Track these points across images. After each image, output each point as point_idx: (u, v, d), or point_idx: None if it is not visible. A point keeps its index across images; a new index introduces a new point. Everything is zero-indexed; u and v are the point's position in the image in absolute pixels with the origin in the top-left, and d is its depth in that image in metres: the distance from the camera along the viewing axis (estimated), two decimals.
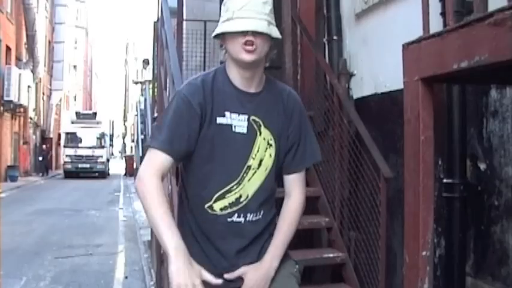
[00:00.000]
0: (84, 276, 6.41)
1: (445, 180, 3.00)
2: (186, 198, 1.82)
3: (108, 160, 31.27)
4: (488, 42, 1.29)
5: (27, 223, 10.56)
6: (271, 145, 1.78)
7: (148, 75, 22.58)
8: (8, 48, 23.45)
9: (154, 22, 9.62)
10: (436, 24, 1.93)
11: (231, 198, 1.74)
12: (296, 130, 1.82)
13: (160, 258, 5.02)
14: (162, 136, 1.69)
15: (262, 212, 1.79)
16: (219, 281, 1.71)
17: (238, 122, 1.74)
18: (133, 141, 33.54)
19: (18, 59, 24.98)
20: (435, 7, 2.53)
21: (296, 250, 3.74)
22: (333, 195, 4.13)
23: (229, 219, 1.75)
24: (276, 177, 1.84)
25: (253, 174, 1.75)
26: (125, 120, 58.72)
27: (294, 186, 1.86)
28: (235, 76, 1.76)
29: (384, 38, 3.97)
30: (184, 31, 5.75)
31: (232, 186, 1.74)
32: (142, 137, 16.45)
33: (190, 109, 1.69)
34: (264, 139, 1.76)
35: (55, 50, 33.00)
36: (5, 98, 22.01)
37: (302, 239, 4.27)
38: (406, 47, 1.71)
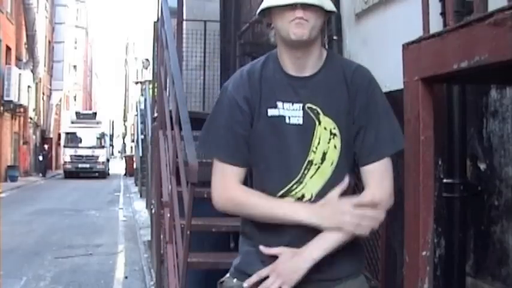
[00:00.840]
0: (84, 276, 6.42)
1: (445, 180, 3.00)
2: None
3: (108, 160, 31.29)
4: (488, 42, 1.29)
5: (27, 223, 10.57)
6: (335, 134, 1.54)
7: (148, 75, 22.58)
8: (8, 48, 23.46)
9: (154, 22, 9.61)
10: (436, 24, 1.93)
11: (293, 198, 1.55)
12: (362, 112, 1.56)
13: (160, 258, 5.02)
14: (227, 146, 1.55)
15: None
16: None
17: (293, 112, 1.53)
18: (133, 141, 33.51)
19: (18, 59, 24.98)
20: (435, 7, 2.53)
21: None
22: None
23: None
24: (352, 171, 1.62)
25: (316, 170, 1.55)
26: (124, 120, 58.70)
27: (369, 181, 1.59)
28: (286, 59, 1.56)
29: (383, 38, 3.97)
30: (184, 31, 5.75)
31: (293, 186, 1.55)
32: (142, 137, 16.45)
33: (238, 108, 1.54)
34: (326, 128, 1.54)
35: (55, 50, 33.01)
36: (5, 98, 22.02)
37: None
38: (406, 47, 1.71)
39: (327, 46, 4.82)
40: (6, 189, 17.90)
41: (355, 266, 1.65)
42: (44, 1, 30.43)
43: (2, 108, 22.30)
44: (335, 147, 1.55)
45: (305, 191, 1.55)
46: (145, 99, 15.01)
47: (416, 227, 1.62)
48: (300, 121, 1.53)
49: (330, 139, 1.54)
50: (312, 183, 1.55)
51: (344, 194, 1.57)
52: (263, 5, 1.52)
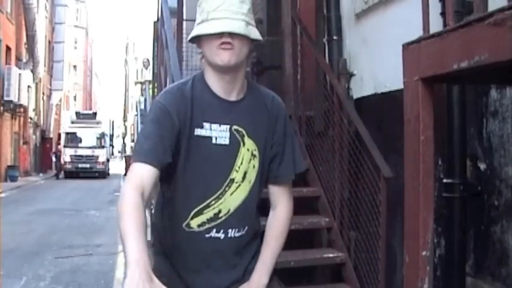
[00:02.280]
0: (84, 276, 6.41)
1: (445, 180, 3.00)
2: (164, 216, 1.71)
3: (108, 160, 31.28)
4: (488, 42, 1.29)
5: (27, 223, 10.57)
6: (255, 156, 1.66)
7: (148, 75, 22.59)
8: (8, 48, 23.46)
9: (154, 22, 9.62)
10: (436, 24, 1.93)
11: (209, 213, 1.62)
12: (280, 139, 1.71)
13: None
14: (143, 148, 1.52)
15: (246, 228, 1.68)
16: None
17: (220, 133, 1.61)
18: (133, 141, 33.52)
19: (18, 59, 24.98)
20: (435, 7, 2.53)
21: (296, 250, 3.75)
22: (333, 195, 4.12)
23: (207, 235, 1.63)
24: (261, 190, 1.73)
25: (236, 188, 1.64)
26: (124, 120, 58.72)
27: (280, 198, 1.75)
28: (214, 83, 1.62)
29: (383, 38, 3.97)
30: (184, 31, 5.74)
31: (211, 202, 1.62)
32: None
33: (169, 119, 1.55)
34: (248, 150, 1.65)
35: (55, 50, 33.01)
36: (5, 98, 22.02)
37: (302, 239, 4.27)
38: (406, 47, 1.71)
39: (327, 46, 4.82)
40: (6, 189, 17.90)
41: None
42: (44, 1, 30.43)
43: (2, 108, 22.30)
44: (254, 167, 1.67)
45: (222, 206, 1.63)
46: (145, 99, 15.00)
47: (416, 227, 1.62)
48: (227, 141, 1.62)
49: (250, 159, 1.65)
50: (231, 200, 1.64)
51: (253, 211, 1.71)
52: (192, 34, 1.58)
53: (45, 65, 30.71)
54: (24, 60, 25.66)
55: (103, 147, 29.52)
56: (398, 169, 3.41)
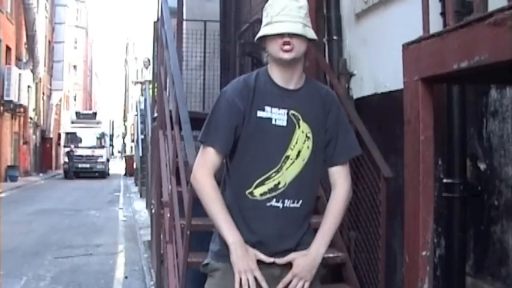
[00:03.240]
0: (84, 276, 6.42)
1: (445, 180, 3.00)
2: (230, 185, 1.96)
3: (108, 160, 31.27)
4: (488, 42, 1.29)
5: (27, 223, 10.57)
6: (309, 138, 1.91)
7: (148, 75, 22.58)
8: (8, 48, 23.45)
9: (154, 22, 9.61)
10: (436, 24, 1.93)
11: (270, 184, 1.88)
12: (334, 125, 1.96)
13: (160, 258, 5.02)
14: (215, 134, 1.88)
15: (300, 202, 1.91)
16: (271, 259, 1.87)
17: (279, 116, 1.89)
18: (133, 141, 33.50)
19: (18, 59, 24.98)
20: (435, 7, 2.53)
21: None
22: None
23: (268, 204, 1.88)
24: (318, 173, 1.99)
25: (291, 164, 1.89)
26: (124, 120, 58.70)
27: (338, 178, 1.99)
28: (276, 75, 1.92)
29: (383, 38, 3.97)
30: (184, 31, 5.75)
31: (272, 174, 1.88)
32: (142, 137, 16.45)
33: (235, 107, 1.87)
34: (303, 132, 1.90)
35: (55, 50, 33.00)
36: (5, 98, 22.01)
37: None
38: (406, 47, 1.71)
39: (327, 46, 4.82)
40: (6, 189, 17.90)
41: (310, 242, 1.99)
42: (44, 1, 30.42)
43: (2, 108, 22.30)
44: (308, 147, 1.92)
45: (281, 179, 1.89)
46: (145, 99, 15.01)
47: (416, 227, 1.62)
48: (284, 123, 1.89)
49: (305, 141, 1.91)
50: (287, 174, 1.89)
51: (307, 188, 1.94)
52: (259, 34, 1.89)
53: (45, 65, 30.70)
54: (24, 60, 25.66)
55: (103, 147, 29.52)
56: (398, 169, 3.41)
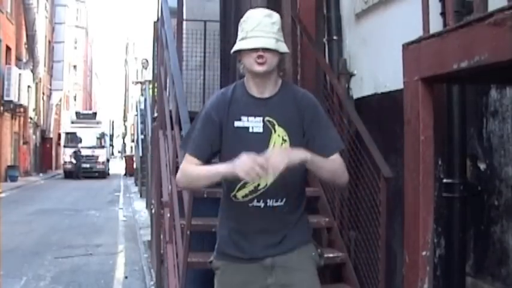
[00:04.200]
0: (84, 276, 6.42)
1: (445, 180, 3.00)
2: (222, 191, 2.16)
3: (108, 160, 31.26)
4: (488, 42, 1.29)
5: (27, 223, 10.57)
6: (285, 140, 2.04)
7: (148, 75, 22.58)
8: (8, 48, 23.45)
9: (154, 22, 9.61)
10: (436, 24, 1.93)
11: (250, 187, 2.03)
12: (310, 125, 2.06)
13: (160, 258, 5.02)
14: (192, 144, 2.09)
15: (284, 200, 2.04)
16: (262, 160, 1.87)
17: (255, 123, 2.04)
18: (133, 141, 33.50)
19: (18, 59, 24.97)
20: (435, 7, 2.53)
21: None
22: (333, 195, 4.12)
23: (250, 204, 2.04)
24: (299, 171, 2.02)
25: None
26: (124, 120, 58.65)
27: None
28: (251, 85, 2.07)
29: (383, 38, 3.97)
30: (184, 31, 5.74)
31: None
32: (142, 137, 16.45)
33: (210, 119, 2.06)
34: (279, 135, 2.03)
35: (55, 50, 32.99)
36: (5, 98, 22.01)
37: None
38: (406, 47, 1.71)
39: (327, 46, 4.82)
40: (6, 189, 17.89)
41: (305, 237, 2.15)
42: (44, 1, 30.40)
43: (2, 108, 22.29)
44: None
45: (260, 181, 1.99)
46: (145, 99, 15.02)
47: (416, 227, 1.62)
48: (261, 130, 2.04)
49: (282, 143, 2.04)
50: (268, 175, 1.95)
51: (290, 186, 2.03)
52: (234, 48, 2.04)
53: (45, 65, 30.69)
54: (24, 60, 25.65)
55: (103, 147, 29.51)
56: (398, 169, 3.41)
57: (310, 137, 2.06)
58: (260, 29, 1.98)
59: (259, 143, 2.01)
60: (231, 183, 2.06)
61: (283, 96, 2.09)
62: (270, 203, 2.04)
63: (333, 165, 2.03)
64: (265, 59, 1.97)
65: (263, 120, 2.04)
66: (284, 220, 2.07)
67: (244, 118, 2.05)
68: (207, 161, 2.08)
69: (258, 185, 2.02)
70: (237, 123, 2.05)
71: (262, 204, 2.04)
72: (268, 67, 1.99)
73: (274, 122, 2.04)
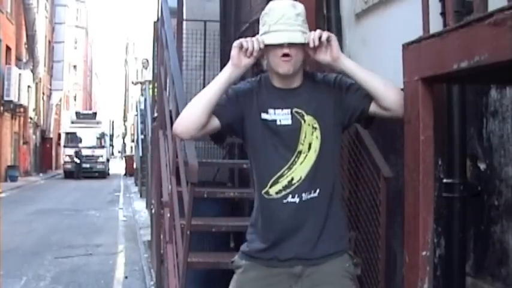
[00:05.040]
0: (84, 276, 6.42)
1: (445, 180, 3.00)
2: (254, 189, 2.05)
3: (108, 160, 31.28)
4: (488, 42, 1.29)
5: (27, 223, 10.57)
6: (315, 128, 1.94)
7: (148, 75, 22.58)
8: (8, 48, 23.46)
9: (154, 22, 9.62)
10: (436, 24, 1.93)
11: (283, 182, 1.92)
12: (348, 91, 1.96)
13: (160, 258, 5.02)
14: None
15: (318, 190, 1.92)
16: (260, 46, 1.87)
17: (283, 116, 1.94)
18: (133, 141, 33.50)
19: (18, 59, 24.98)
20: (435, 7, 2.53)
21: None
22: None
23: (284, 201, 1.92)
24: (333, 158, 2.00)
25: (304, 158, 1.93)
26: (124, 120, 58.65)
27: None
28: (277, 80, 1.97)
29: (383, 38, 3.97)
30: (184, 31, 5.75)
31: (284, 171, 1.92)
32: (142, 137, 16.45)
33: (234, 97, 1.97)
34: (309, 125, 1.94)
35: (55, 50, 33.00)
36: (5, 98, 22.02)
37: None
38: (406, 47, 1.71)
39: None
40: (6, 189, 17.89)
41: (339, 245, 1.99)
42: (44, 1, 30.41)
43: (2, 108, 22.29)
44: (317, 137, 1.94)
45: (294, 175, 1.92)
46: (145, 99, 15.01)
47: (416, 227, 1.62)
48: (290, 122, 1.94)
49: (312, 132, 1.94)
50: (301, 168, 1.93)
51: (323, 176, 1.94)
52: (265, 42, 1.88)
53: (45, 65, 30.70)
54: (24, 60, 25.65)
55: (103, 147, 29.53)
56: (398, 169, 3.41)
57: (350, 102, 1.95)
58: (284, 22, 1.85)
59: (289, 135, 1.94)
60: (261, 178, 1.96)
61: (309, 84, 2.00)
62: (304, 196, 1.92)
63: (374, 76, 1.93)
64: (290, 57, 1.86)
65: (291, 112, 1.95)
66: (320, 212, 1.94)
67: (271, 111, 1.96)
68: (226, 123, 1.96)
69: (292, 179, 1.93)
70: (264, 116, 1.95)
71: (297, 200, 1.92)
72: (295, 67, 1.90)
73: (303, 112, 1.95)
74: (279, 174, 1.92)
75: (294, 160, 1.93)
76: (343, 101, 1.96)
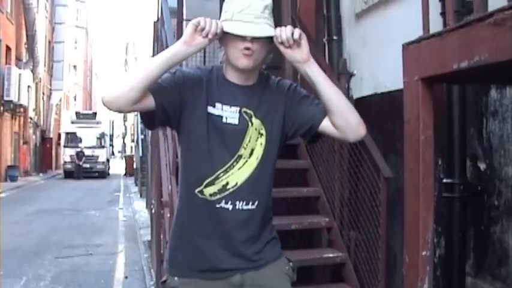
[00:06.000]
0: (84, 276, 6.41)
1: (445, 180, 3.00)
2: (181, 184, 1.86)
3: (108, 160, 31.26)
4: (488, 42, 1.29)
5: (27, 223, 10.56)
6: (262, 134, 1.79)
7: None
8: (8, 48, 23.44)
9: (154, 22, 9.61)
10: (436, 24, 1.93)
11: (218, 185, 1.76)
12: (296, 108, 1.82)
13: (160, 258, 5.02)
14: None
15: (256, 203, 1.78)
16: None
17: (230, 114, 1.77)
18: (133, 141, 33.52)
19: (18, 59, 24.96)
20: (435, 7, 2.53)
21: (296, 250, 3.75)
22: (333, 195, 4.13)
23: (217, 205, 1.76)
24: (270, 166, 1.83)
25: (244, 163, 1.77)
26: (124, 120, 58.67)
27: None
28: (231, 74, 1.79)
29: (383, 38, 3.97)
30: (184, 31, 5.74)
31: (219, 174, 1.76)
32: (142, 137, 16.45)
33: (181, 80, 1.75)
34: (256, 129, 1.78)
35: (55, 50, 32.98)
36: (5, 98, 22.00)
37: (302, 239, 4.27)
38: (406, 47, 1.71)
39: (327, 46, 4.82)
40: (6, 189, 17.88)
41: (277, 249, 1.89)
42: (44, 1, 30.40)
43: (2, 108, 22.28)
44: (261, 144, 1.79)
45: (230, 179, 1.76)
46: None
47: (416, 227, 1.62)
48: (236, 121, 1.77)
49: (257, 138, 1.79)
50: (239, 174, 1.77)
51: (263, 188, 1.81)
52: (224, 29, 1.70)
53: (45, 65, 30.68)
54: (24, 60, 25.64)
55: (103, 147, 29.50)
56: (398, 169, 3.41)
57: (301, 114, 1.81)
58: (250, 12, 1.67)
59: (232, 136, 1.76)
60: (195, 176, 1.77)
61: (262, 86, 1.83)
62: (239, 205, 1.76)
63: (338, 91, 1.76)
64: (251, 51, 1.68)
65: (240, 111, 1.77)
66: (254, 227, 1.79)
67: (218, 105, 1.77)
68: (161, 106, 1.72)
69: (227, 183, 1.76)
70: (210, 109, 1.76)
71: (230, 207, 1.76)
72: (255, 63, 1.72)
73: (252, 113, 1.78)
74: (214, 176, 1.75)
75: (232, 164, 1.76)
76: (294, 112, 1.81)
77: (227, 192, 1.76)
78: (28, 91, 25.48)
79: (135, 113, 24.74)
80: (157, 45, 7.04)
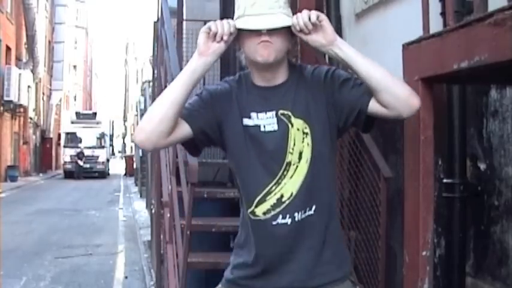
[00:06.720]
0: (84, 276, 6.42)
1: (445, 180, 3.00)
2: (240, 205, 1.74)
3: (108, 160, 31.27)
4: (488, 42, 1.29)
5: (27, 223, 10.56)
6: (306, 134, 1.62)
7: (148, 75, 22.58)
8: (8, 48, 23.45)
9: (154, 22, 9.61)
10: (436, 24, 1.93)
11: (271, 200, 1.61)
12: (340, 94, 1.63)
13: (160, 258, 5.02)
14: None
15: (314, 207, 1.62)
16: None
17: (267, 121, 1.62)
18: (133, 141, 33.46)
19: (18, 59, 24.98)
20: (435, 7, 2.53)
21: None
22: None
23: (274, 223, 1.61)
24: (329, 169, 1.68)
25: (295, 170, 1.62)
26: (125, 120, 58.69)
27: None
28: (256, 76, 1.66)
29: (384, 38, 3.97)
30: (184, 31, 5.74)
31: (271, 188, 1.62)
32: None
33: (209, 99, 1.66)
34: (298, 129, 1.62)
35: (55, 50, 33.00)
36: (5, 98, 22.01)
37: None
38: (406, 47, 1.71)
39: None
40: (6, 189, 17.88)
41: (340, 271, 1.67)
42: (44, 1, 30.42)
43: (2, 108, 22.29)
44: (308, 144, 1.62)
45: (284, 191, 1.61)
46: (145, 99, 15.01)
47: (416, 227, 1.62)
48: (275, 127, 1.62)
49: (303, 138, 1.62)
50: (291, 183, 1.61)
51: (319, 189, 1.63)
52: (237, 26, 1.59)
53: (45, 65, 30.70)
54: (24, 60, 25.65)
55: (103, 147, 29.52)
56: (398, 169, 3.41)
57: (345, 101, 1.61)
58: (262, 4, 1.54)
59: (275, 143, 1.61)
60: (246, 195, 1.64)
61: (295, 80, 1.66)
62: (298, 216, 1.60)
63: (376, 65, 1.61)
64: (271, 43, 1.54)
65: (276, 115, 1.61)
66: (317, 235, 1.62)
67: (253, 115, 1.62)
68: (199, 130, 1.63)
69: (282, 196, 1.60)
70: (246, 121, 1.63)
71: (289, 221, 1.60)
72: (276, 54, 1.56)
73: (290, 114, 1.61)
74: (265, 191, 1.61)
75: (283, 174, 1.61)
76: (337, 99, 1.62)
77: (283, 206, 1.61)
78: (28, 91, 25.49)
79: (135, 113, 24.62)
80: (157, 45, 7.04)
